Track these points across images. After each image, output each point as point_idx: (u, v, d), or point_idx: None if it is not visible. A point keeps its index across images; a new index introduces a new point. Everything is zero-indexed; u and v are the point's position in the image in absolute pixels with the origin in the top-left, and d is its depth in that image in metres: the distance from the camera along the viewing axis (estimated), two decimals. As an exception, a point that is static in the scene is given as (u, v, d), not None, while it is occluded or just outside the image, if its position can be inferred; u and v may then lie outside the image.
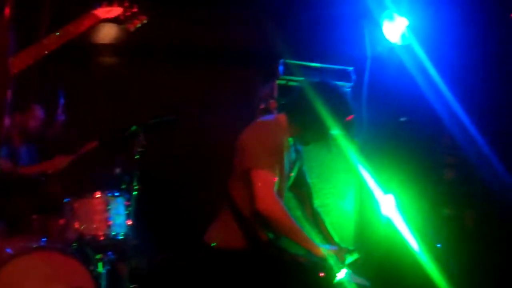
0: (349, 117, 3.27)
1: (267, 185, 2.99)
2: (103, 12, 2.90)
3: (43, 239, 3.65)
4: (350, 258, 3.23)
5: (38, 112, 4.17)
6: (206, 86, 5.18)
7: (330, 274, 3.05)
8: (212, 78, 5.19)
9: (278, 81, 4.59)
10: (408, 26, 4.88)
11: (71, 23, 2.75)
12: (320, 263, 3.06)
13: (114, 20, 2.96)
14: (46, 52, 2.64)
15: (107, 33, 5.21)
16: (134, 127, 4.15)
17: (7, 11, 2.16)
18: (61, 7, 4.15)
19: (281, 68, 4.57)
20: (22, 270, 3.40)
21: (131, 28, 3.03)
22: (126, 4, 3.00)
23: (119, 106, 4.82)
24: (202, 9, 5.14)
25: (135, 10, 3.02)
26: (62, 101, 4.16)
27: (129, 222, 3.96)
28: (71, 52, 3.05)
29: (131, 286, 3.95)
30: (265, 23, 5.12)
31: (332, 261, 3.06)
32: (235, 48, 5.25)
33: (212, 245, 3.22)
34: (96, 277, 3.62)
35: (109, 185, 4.05)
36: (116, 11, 2.96)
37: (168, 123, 4.29)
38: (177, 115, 4.33)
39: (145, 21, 3.06)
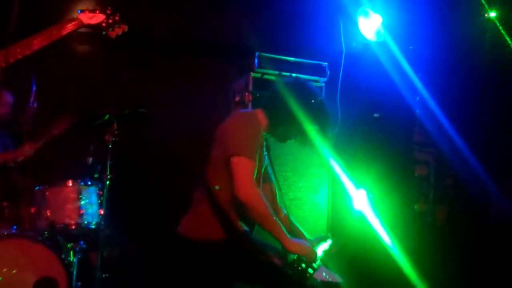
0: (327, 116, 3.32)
1: (247, 171, 3.01)
2: (86, 17, 2.97)
3: (14, 227, 3.59)
4: (325, 246, 3.25)
5: (7, 98, 4.09)
6: (181, 78, 5.14)
7: (302, 274, 3.07)
8: (188, 69, 5.16)
9: (253, 74, 4.58)
10: (382, 23, 4.92)
11: (54, 26, 2.78)
12: (293, 265, 3.07)
13: (96, 26, 3.01)
14: (28, 52, 2.64)
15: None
16: (107, 116, 4.10)
17: None
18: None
19: (256, 61, 4.57)
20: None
21: (112, 35, 3.08)
22: (109, 11, 3.02)
23: (94, 95, 4.75)
24: (178, 1, 5.12)
25: (117, 18, 3.06)
26: (34, 88, 4.09)
27: (101, 212, 3.92)
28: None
29: (102, 276, 3.90)
30: (241, 16, 5.11)
31: (304, 258, 3.07)
32: (211, 41, 5.23)
33: (186, 236, 3.21)
34: (67, 266, 3.58)
35: (82, 174, 4.00)
36: (98, 17, 3.03)
37: (140, 114, 4.26)
38: (150, 107, 4.29)
39: (125, 30, 3.10)
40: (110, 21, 3.03)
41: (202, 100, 5.06)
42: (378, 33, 4.98)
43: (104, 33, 3.05)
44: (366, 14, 5.00)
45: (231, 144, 3.09)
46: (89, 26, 2.98)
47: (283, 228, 3.09)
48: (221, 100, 4.91)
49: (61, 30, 2.79)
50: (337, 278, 3.29)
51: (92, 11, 3.01)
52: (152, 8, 5.01)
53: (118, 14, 3.07)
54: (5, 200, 3.77)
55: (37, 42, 2.66)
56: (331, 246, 3.28)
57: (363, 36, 5.01)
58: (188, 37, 5.19)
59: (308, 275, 3.06)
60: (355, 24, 5.01)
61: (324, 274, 3.20)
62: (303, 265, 3.05)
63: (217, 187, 3.16)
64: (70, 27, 2.85)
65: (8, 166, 3.86)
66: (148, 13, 4.94)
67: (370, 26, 4.97)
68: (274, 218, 3.06)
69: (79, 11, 2.97)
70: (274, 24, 5.23)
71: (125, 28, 3.08)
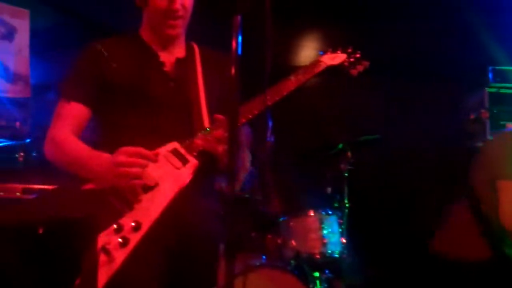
0: None
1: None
2: (328, 58, 2.88)
3: (263, 257, 3.72)
4: None
5: (246, 132, 4.28)
6: (409, 98, 5.06)
7: None
8: (415, 89, 5.05)
9: (488, 89, 4.36)
10: None
11: (300, 70, 2.77)
12: None
13: (339, 67, 2.96)
14: (277, 99, 2.64)
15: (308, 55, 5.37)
16: (341, 145, 4.14)
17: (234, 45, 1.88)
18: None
19: (490, 75, 4.35)
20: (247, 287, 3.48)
21: (354, 73, 3.00)
22: (350, 50, 2.98)
23: (327, 123, 4.84)
24: (403, 21, 5.02)
25: (358, 55, 3.00)
26: (270, 123, 4.24)
27: (343, 240, 3.93)
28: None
29: (346, 304, 3.91)
30: (470, 30, 4.86)
31: None
32: (439, 59, 5.07)
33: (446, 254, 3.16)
34: (315, 295, 3.62)
35: (322, 203, 4.06)
36: (340, 57, 2.93)
37: (374, 141, 4.25)
38: (382, 132, 4.25)
39: (367, 67, 3.02)
40: (352, 59, 2.99)
41: (432, 120, 4.91)
42: None
43: (345, 71, 3.01)
44: None
45: (498, 167, 2.99)
46: (331, 67, 2.96)
47: None
48: (453, 119, 4.72)
49: (307, 74, 2.78)
50: None
51: (334, 51, 2.98)
52: (372, 30, 4.97)
53: (359, 52, 3.01)
54: (254, 231, 3.94)
55: (285, 89, 2.67)
56: None
57: None
58: (413, 56, 5.08)
59: None
60: None
61: None
62: None
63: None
64: (315, 70, 2.83)
65: (254, 198, 4.03)
66: (368, 35, 4.91)
67: None
68: None
69: (321, 53, 2.95)
70: (504, 35, 4.91)
71: (367, 64, 3.01)
